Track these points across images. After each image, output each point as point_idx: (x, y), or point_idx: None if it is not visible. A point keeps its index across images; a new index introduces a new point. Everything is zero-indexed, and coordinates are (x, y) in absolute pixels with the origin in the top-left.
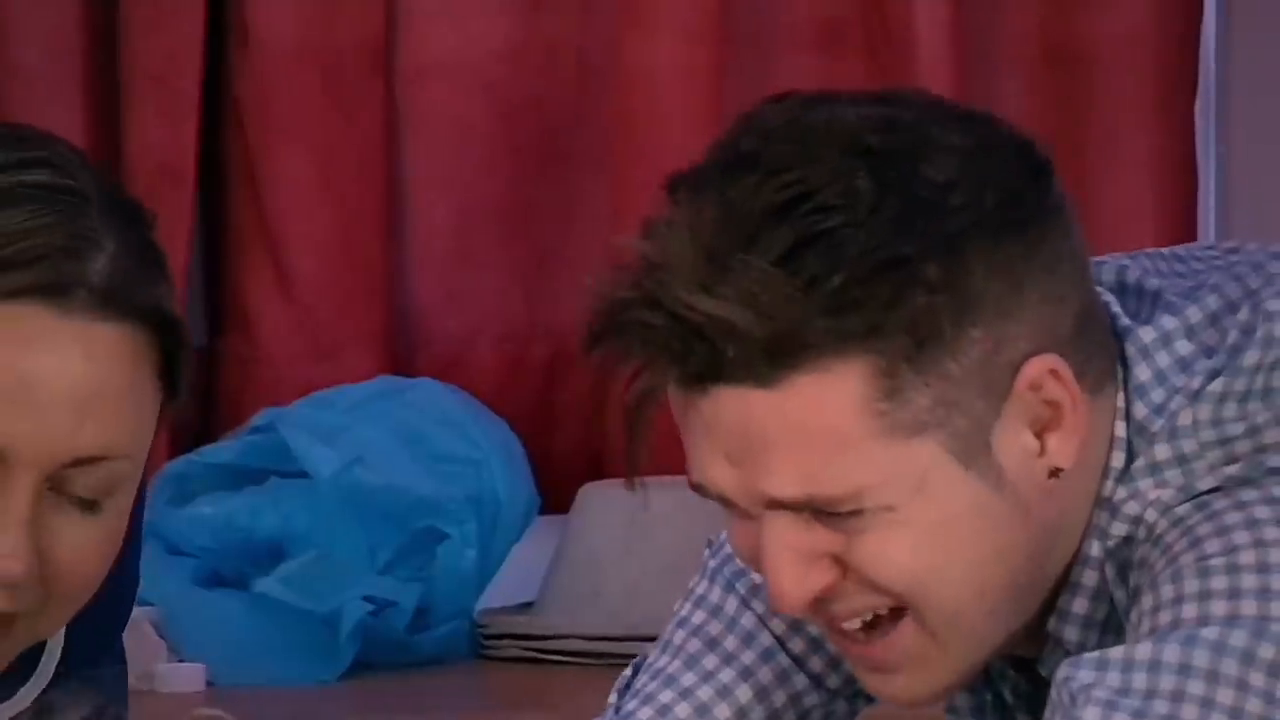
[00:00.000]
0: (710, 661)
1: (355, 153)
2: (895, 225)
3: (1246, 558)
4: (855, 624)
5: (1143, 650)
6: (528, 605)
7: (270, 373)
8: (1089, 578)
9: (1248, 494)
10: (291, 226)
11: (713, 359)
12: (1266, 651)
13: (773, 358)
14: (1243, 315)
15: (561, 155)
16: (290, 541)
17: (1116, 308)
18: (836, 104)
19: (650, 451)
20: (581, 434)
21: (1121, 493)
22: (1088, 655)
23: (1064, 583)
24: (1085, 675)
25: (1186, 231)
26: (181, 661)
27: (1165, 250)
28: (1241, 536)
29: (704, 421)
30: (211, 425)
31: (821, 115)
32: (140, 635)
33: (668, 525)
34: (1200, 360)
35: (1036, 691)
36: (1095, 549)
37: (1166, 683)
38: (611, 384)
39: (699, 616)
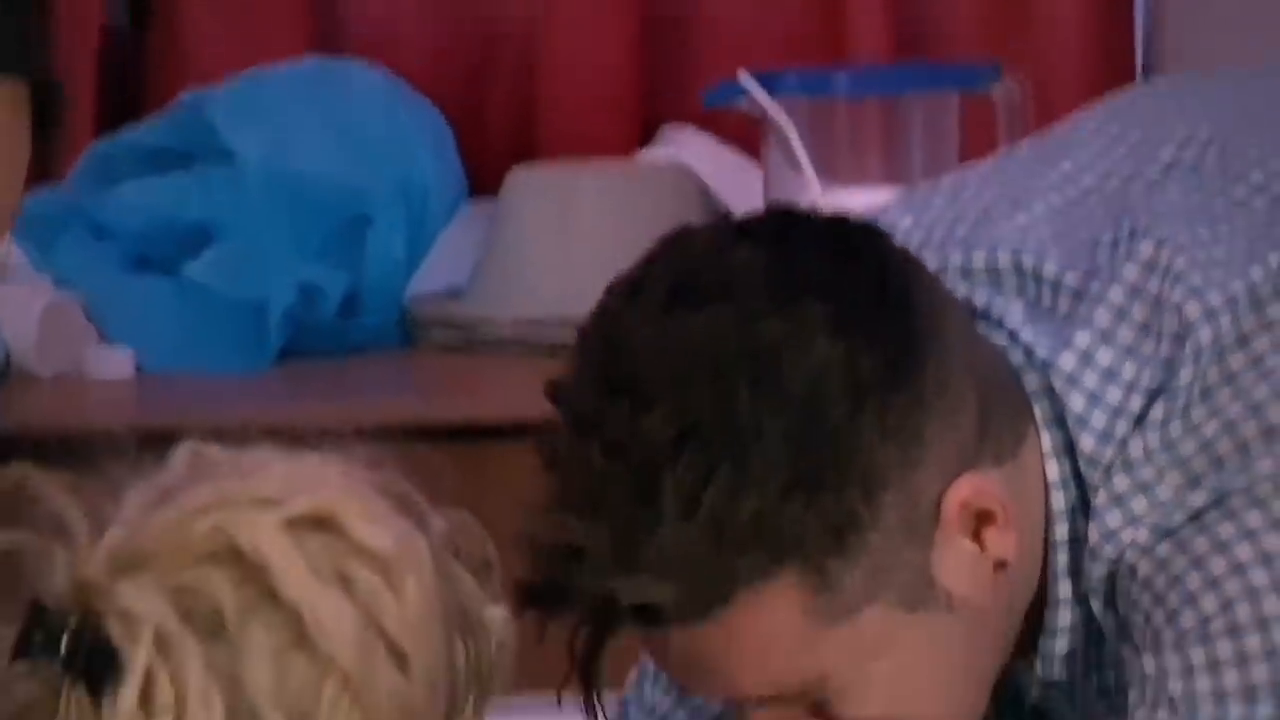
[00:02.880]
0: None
1: None
2: (783, 443)
3: (1243, 614)
4: None
5: None
6: (458, 292)
7: (194, 61)
8: (1064, 618)
9: (1224, 529)
10: None
11: (646, 620)
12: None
13: (703, 606)
14: (1168, 323)
15: None
16: (217, 228)
17: (1027, 333)
18: (689, 306)
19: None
20: (513, 114)
21: (1093, 534)
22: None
23: (1038, 626)
24: None
25: None
26: (109, 347)
27: (1050, 194)
28: (1233, 587)
29: (654, 648)
30: (135, 114)
31: (680, 326)
32: (68, 320)
33: (599, 209)
34: (1125, 364)
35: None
36: (1064, 590)
37: None
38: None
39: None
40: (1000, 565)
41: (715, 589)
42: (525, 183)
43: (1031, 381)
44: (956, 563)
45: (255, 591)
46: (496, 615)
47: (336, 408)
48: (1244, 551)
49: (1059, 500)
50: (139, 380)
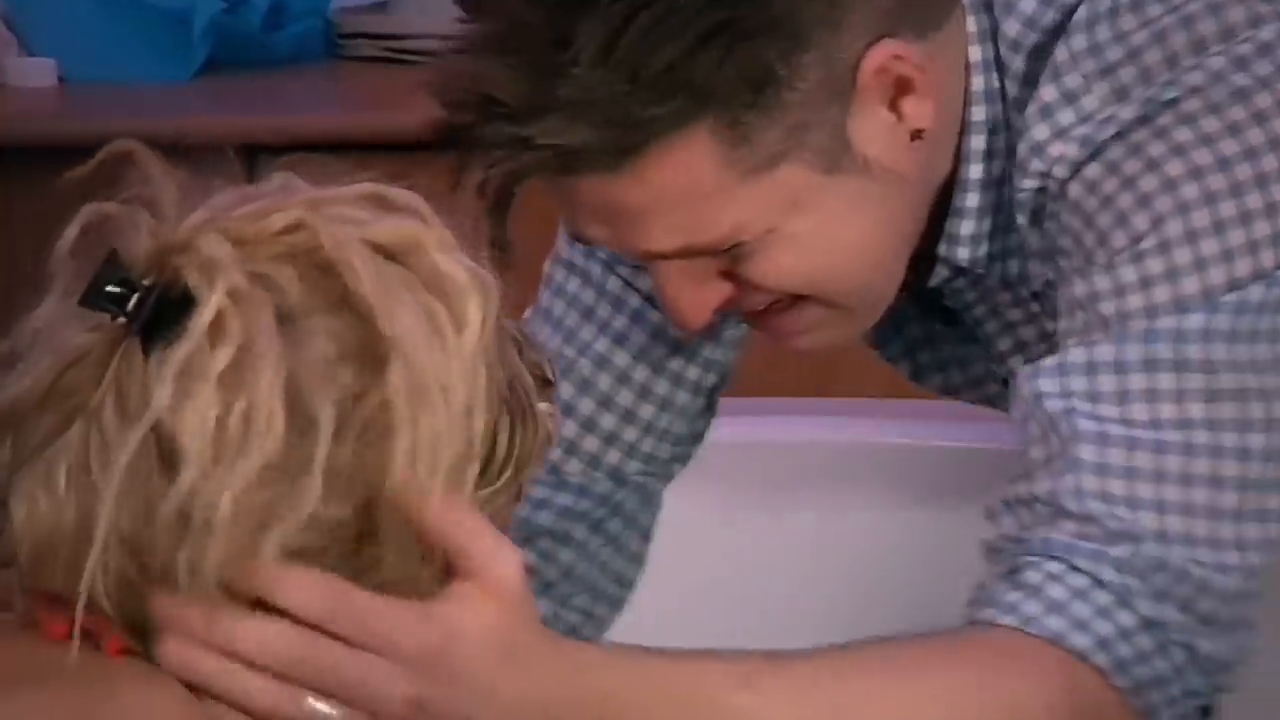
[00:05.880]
0: (587, 332)
1: None
2: None
3: (1174, 228)
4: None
5: (1103, 350)
6: (383, 4)
7: None
8: (972, 200)
9: (1155, 147)
10: None
11: (561, 164)
12: (1220, 323)
13: (618, 154)
14: None
15: None
16: None
17: None
18: None
19: None
20: None
21: (1022, 149)
22: (1046, 364)
23: (947, 210)
24: (1044, 381)
25: None
26: (32, 56)
27: None
28: (1164, 204)
29: (567, 197)
30: None
31: None
32: None
33: None
34: None
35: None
36: (975, 172)
37: (1136, 382)
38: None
39: (572, 284)
40: (917, 134)
41: (629, 135)
42: None
43: None
44: (873, 128)
45: (324, 297)
46: (545, 409)
47: (261, 118)
48: (1175, 167)
49: (979, 83)
50: (63, 89)
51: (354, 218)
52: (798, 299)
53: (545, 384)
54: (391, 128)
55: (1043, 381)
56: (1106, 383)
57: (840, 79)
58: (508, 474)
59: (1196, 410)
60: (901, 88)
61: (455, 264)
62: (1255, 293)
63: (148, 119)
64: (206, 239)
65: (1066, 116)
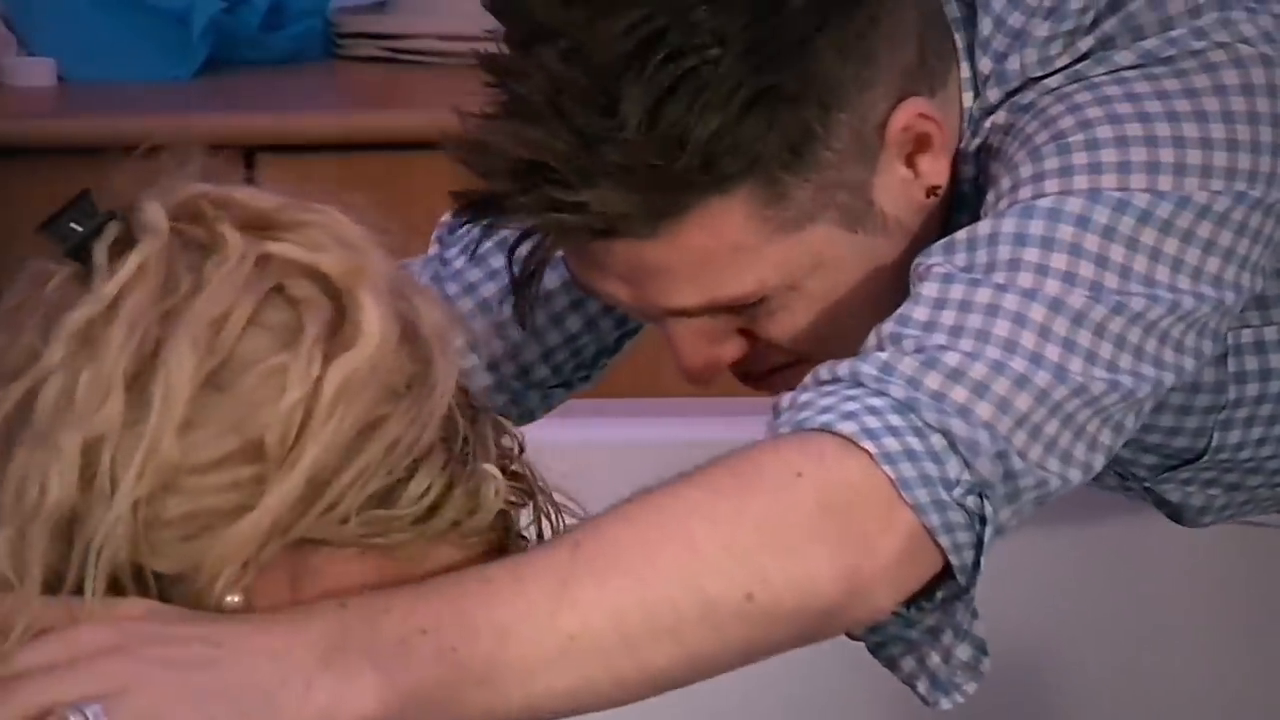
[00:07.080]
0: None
1: None
2: (748, 56)
3: (1078, 150)
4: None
5: (984, 226)
6: (382, 4)
7: None
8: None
9: (1081, 95)
10: None
11: (599, 230)
12: (1100, 215)
13: (658, 219)
14: None
15: None
16: None
17: None
18: None
19: None
20: None
21: (965, 136)
22: (939, 243)
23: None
24: (933, 259)
25: None
26: (31, 56)
27: None
28: (1075, 139)
29: (593, 259)
30: None
31: None
32: None
33: None
34: None
35: None
36: (967, 222)
37: (1004, 253)
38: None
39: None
40: (933, 191)
41: (674, 200)
42: None
43: (953, 10)
44: (894, 185)
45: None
46: (490, 472)
47: (260, 117)
48: (1094, 111)
49: (967, 100)
50: (62, 89)
51: (315, 242)
52: (791, 362)
53: (508, 455)
54: (391, 128)
55: (931, 258)
56: (981, 256)
57: (869, 138)
58: (416, 509)
59: (1052, 287)
60: (920, 145)
61: (377, 303)
62: (1142, 200)
63: (147, 118)
64: (153, 205)
65: (1005, 105)
